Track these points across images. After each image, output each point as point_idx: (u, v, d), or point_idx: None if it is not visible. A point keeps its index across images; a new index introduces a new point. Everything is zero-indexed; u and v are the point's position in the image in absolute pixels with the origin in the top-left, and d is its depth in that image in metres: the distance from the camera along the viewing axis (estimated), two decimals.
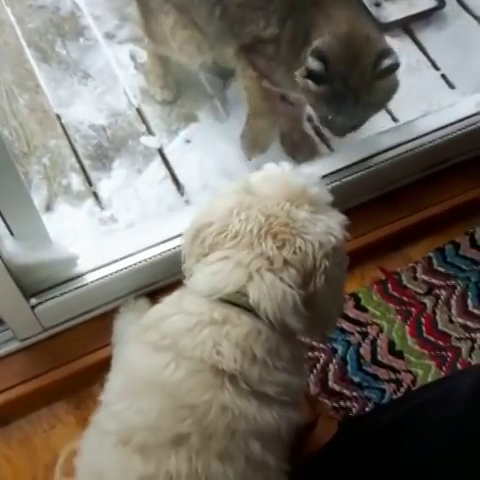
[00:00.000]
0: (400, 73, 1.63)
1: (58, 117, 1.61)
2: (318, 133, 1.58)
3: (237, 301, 0.86)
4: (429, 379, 1.33)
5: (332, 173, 1.36)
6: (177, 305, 0.89)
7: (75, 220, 1.48)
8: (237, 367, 0.84)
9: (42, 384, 1.25)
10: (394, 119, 1.59)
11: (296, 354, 0.92)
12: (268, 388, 0.87)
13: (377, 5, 1.74)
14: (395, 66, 1.18)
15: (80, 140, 1.58)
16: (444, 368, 1.33)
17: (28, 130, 1.59)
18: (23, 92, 1.64)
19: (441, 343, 1.37)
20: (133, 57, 1.67)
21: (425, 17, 1.72)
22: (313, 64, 1.16)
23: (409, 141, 1.38)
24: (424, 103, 1.56)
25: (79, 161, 1.55)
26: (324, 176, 1.34)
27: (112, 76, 1.67)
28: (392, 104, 1.60)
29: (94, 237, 1.45)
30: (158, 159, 1.55)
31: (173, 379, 0.84)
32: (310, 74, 1.17)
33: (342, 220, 0.93)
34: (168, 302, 0.92)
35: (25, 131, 1.59)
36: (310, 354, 1.36)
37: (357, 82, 1.17)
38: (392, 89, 1.22)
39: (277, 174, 0.94)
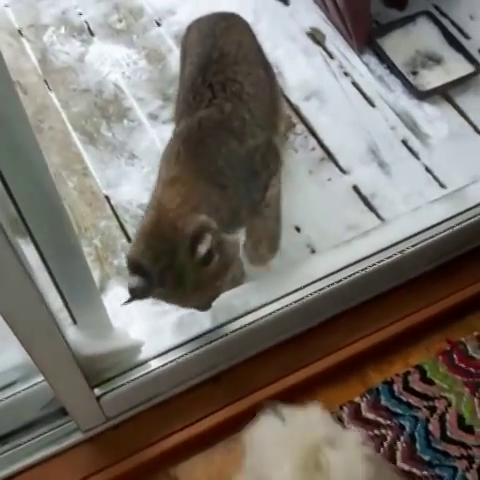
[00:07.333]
0: (445, 139, 1.65)
1: (107, 198, 1.63)
2: (367, 204, 1.58)
3: None
4: None
5: (384, 249, 1.34)
6: None
7: None
8: None
9: (108, 477, 1.22)
10: (442, 185, 1.59)
11: None
12: None
13: (414, 73, 1.76)
14: (211, 254, 1.04)
15: (130, 220, 1.58)
16: None
17: (78, 212, 1.60)
18: (71, 175, 1.66)
19: None
20: None
21: (463, 83, 1.74)
22: (132, 281, 1.05)
23: (464, 211, 1.36)
24: (473, 169, 1.55)
25: (129, 241, 1.55)
26: (375, 253, 1.33)
27: (158, 156, 1.64)
28: (438, 170, 1.62)
29: (147, 317, 1.43)
30: None
31: None
32: (134, 292, 1.07)
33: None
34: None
35: (74, 213, 1.60)
36: (376, 432, 1.31)
37: (186, 274, 1.06)
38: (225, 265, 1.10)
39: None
